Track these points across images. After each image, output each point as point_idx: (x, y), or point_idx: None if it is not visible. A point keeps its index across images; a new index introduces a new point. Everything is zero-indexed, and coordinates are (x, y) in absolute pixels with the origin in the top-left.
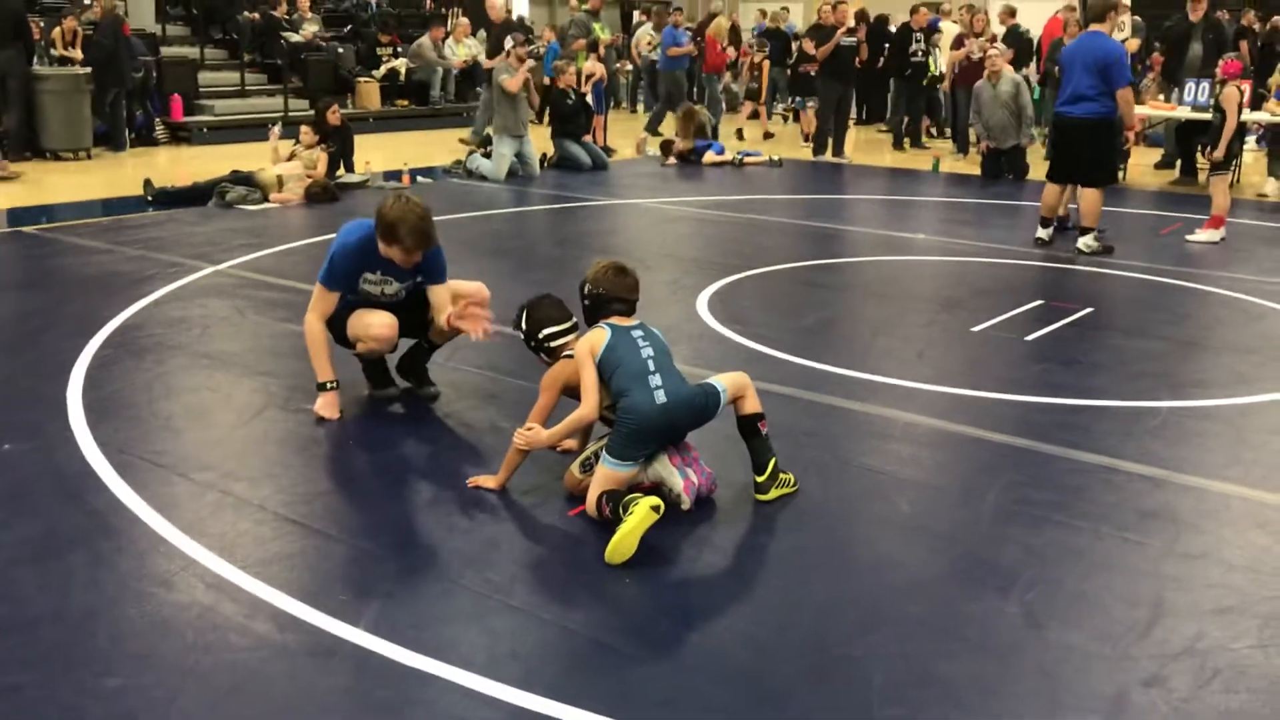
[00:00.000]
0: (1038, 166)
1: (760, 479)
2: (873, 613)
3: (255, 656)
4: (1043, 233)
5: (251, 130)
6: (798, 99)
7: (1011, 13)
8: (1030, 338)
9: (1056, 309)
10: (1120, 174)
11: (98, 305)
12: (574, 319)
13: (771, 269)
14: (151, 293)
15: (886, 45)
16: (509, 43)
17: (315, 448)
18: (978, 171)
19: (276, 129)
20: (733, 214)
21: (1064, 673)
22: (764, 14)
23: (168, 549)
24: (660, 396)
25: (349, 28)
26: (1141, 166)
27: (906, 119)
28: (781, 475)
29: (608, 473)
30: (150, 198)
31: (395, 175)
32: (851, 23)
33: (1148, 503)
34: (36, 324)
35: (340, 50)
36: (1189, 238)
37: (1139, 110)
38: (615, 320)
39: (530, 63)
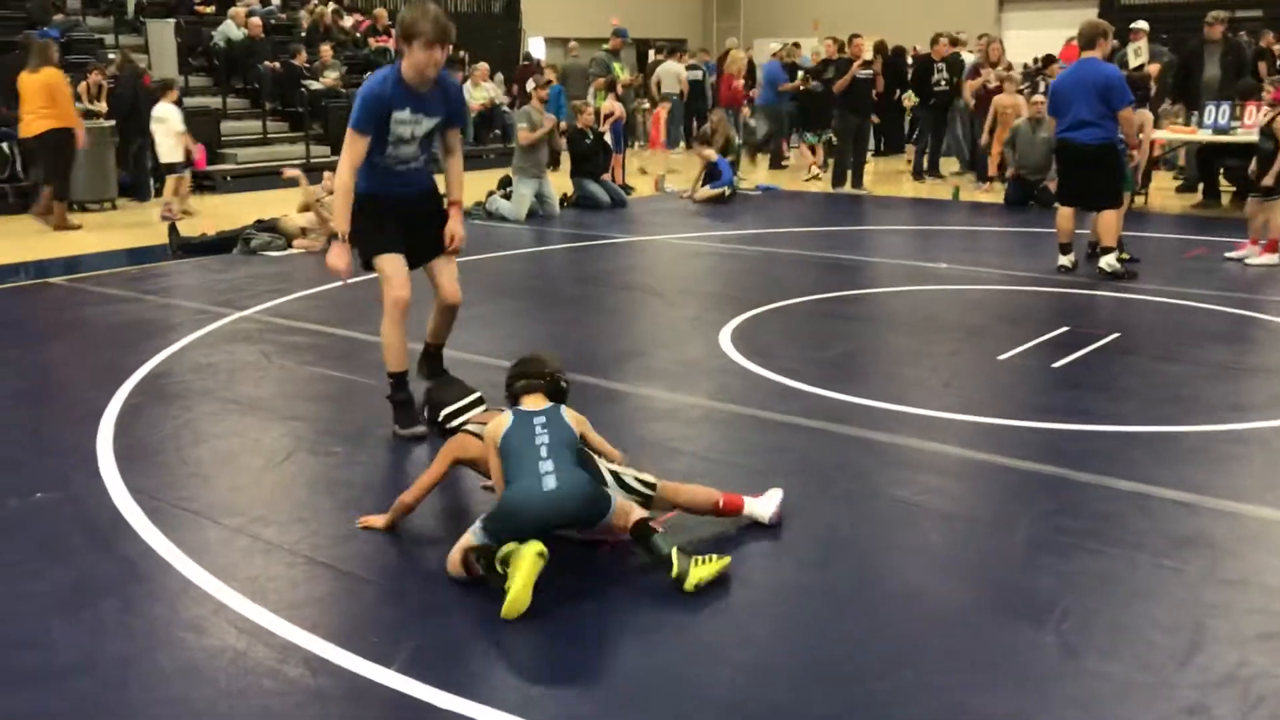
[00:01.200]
0: None
1: (673, 574)
2: (906, 645)
3: (289, 701)
4: (1064, 259)
5: (274, 178)
6: (805, 133)
7: (953, 42)
8: (1057, 364)
9: (1082, 335)
10: (1142, 198)
11: (125, 354)
12: (476, 393)
13: (794, 302)
14: (178, 340)
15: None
16: (530, 85)
17: (344, 491)
18: (998, 200)
19: (294, 171)
20: (753, 248)
21: (1103, 703)
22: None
23: (199, 594)
24: (549, 483)
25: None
26: (1163, 191)
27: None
28: (695, 558)
29: (468, 540)
30: (175, 247)
31: None
32: (868, 55)
33: (1183, 528)
34: (66, 373)
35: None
36: (1249, 261)
37: (1157, 134)
38: (525, 402)
39: (553, 119)
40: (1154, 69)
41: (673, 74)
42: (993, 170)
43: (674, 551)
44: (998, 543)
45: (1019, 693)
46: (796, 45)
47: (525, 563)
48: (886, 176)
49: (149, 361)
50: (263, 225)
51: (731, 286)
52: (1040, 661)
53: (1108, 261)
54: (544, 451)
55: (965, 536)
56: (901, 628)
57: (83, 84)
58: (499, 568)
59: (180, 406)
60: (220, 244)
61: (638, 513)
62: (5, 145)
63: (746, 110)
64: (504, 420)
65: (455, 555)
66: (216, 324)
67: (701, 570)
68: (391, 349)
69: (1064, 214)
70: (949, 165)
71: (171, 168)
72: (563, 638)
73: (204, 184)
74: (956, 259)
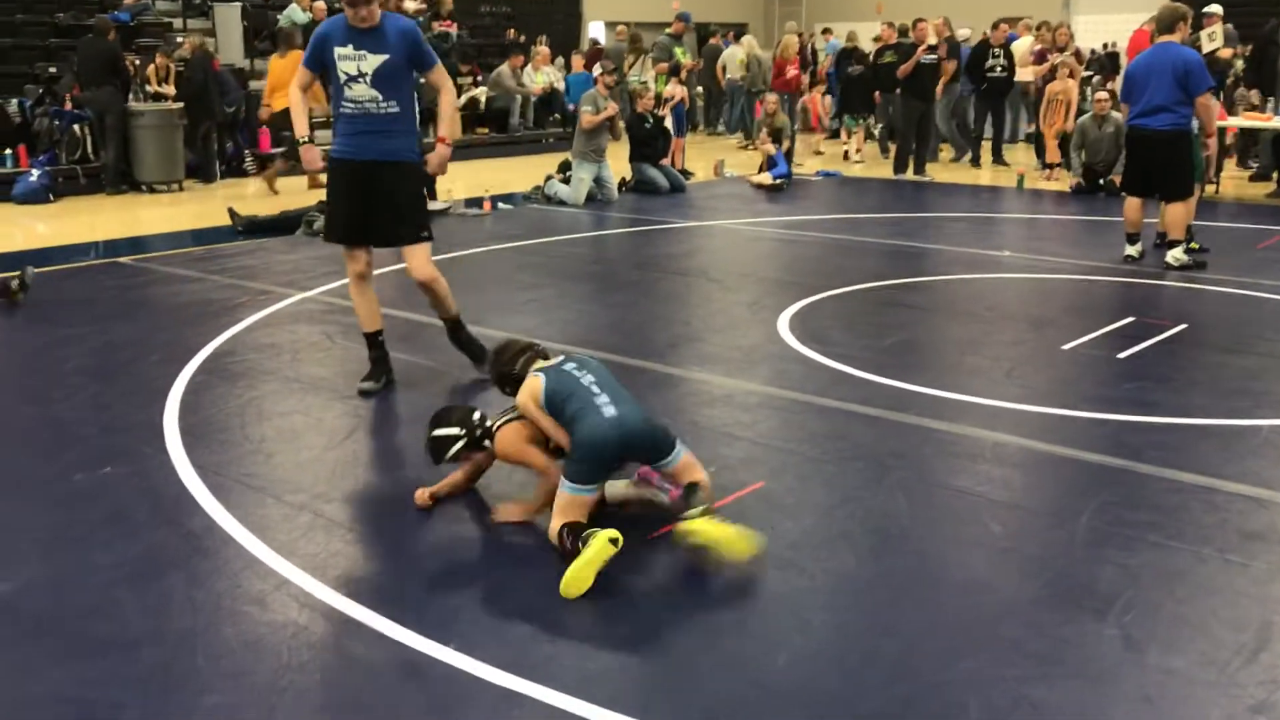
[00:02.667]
0: None
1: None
2: (965, 637)
3: (348, 675)
4: (1131, 249)
5: None
6: (847, 118)
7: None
8: (1123, 355)
9: (1150, 326)
10: (1214, 187)
11: (191, 332)
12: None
13: (853, 288)
14: (243, 320)
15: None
16: (597, 69)
17: (405, 469)
18: (1063, 188)
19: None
20: (812, 234)
21: (1166, 699)
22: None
23: (262, 569)
24: (610, 411)
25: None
26: (1236, 179)
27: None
28: (728, 528)
29: (569, 499)
30: (239, 228)
31: (476, 202)
32: (932, 40)
33: (1251, 523)
34: (133, 352)
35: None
36: None
37: (1232, 121)
38: (541, 364)
39: (614, 107)
40: (1226, 54)
41: (737, 59)
42: (1051, 156)
43: (701, 503)
44: (1059, 534)
45: (1080, 686)
46: (826, 31)
47: (595, 545)
48: (949, 163)
49: (214, 340)
50: (325, 207)
51: (790, 272)
52: (1102, 655)
53: (1174, 255)
54: (595, 388)
55: (1026, 527)
56: (960, 619)
57: (150, 67)
58: (580, 545)
59: (244, 385)
60: (283, 225)
61: (702, 471)
62: (77, 127)
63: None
64: (535, 382)
65: (553, 527)
66: (280, 304)
67: (706, 526)
68: (357, 311)
69: (1132, 204)
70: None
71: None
72: (620, 620)
73: (268, 166)
74: (1020, 247)
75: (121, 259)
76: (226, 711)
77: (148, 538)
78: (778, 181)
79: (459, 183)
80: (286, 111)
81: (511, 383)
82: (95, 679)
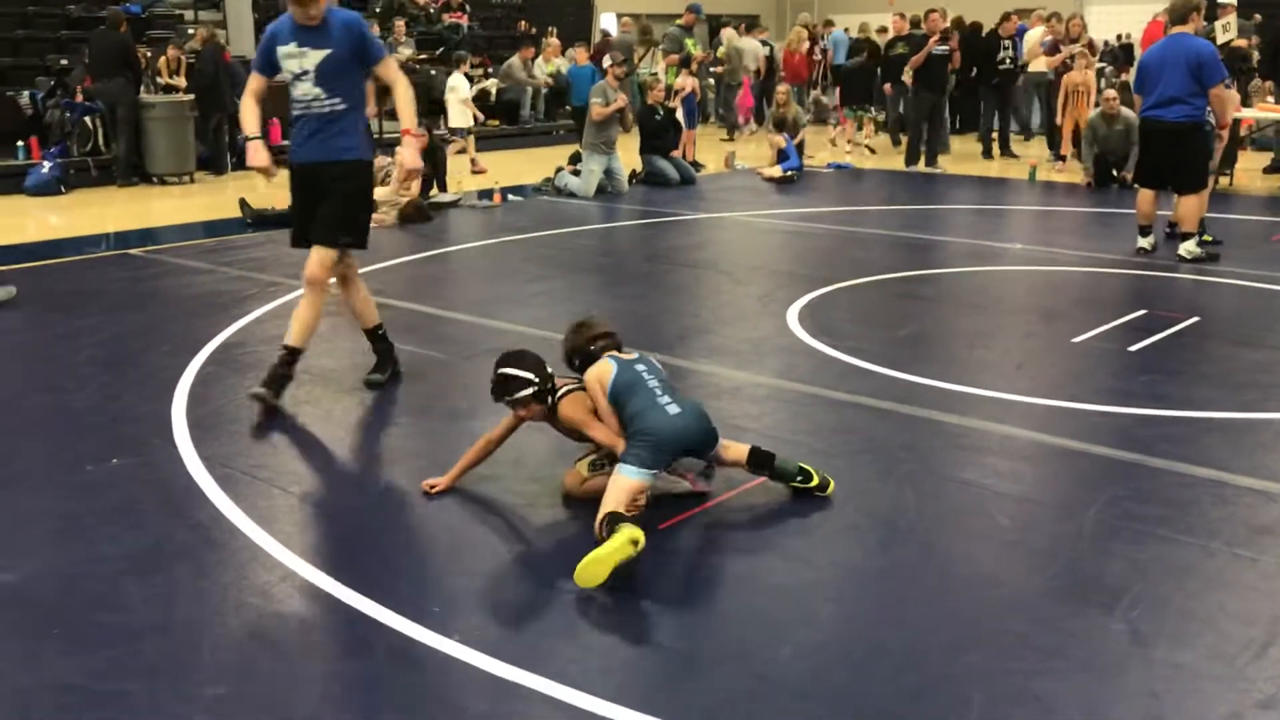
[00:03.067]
0: None
1: (814, 484)
2: (972, 630)
3: (352, 666)
4: (1144, 242)
5: None
6: (855, 108)
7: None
8: (1134, 348)
9: (1161, 319)
10: (1227, 178)
11: (200, 324)
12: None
13: (863, 281)
14: (252, 311)
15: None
16: (607, 61)
17: (411, 461)
18: (1075, 180)
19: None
20: (823, 226)
21: (1174, 693)
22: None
23: (267, 561)
24: (673, 409)
25: (440, 50)
26: (1250, 171)
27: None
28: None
29: (626, 482)
30: (249, 220)
31: (487, 194)
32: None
33: (1261, 517)
34: (142, 342)
35: (433, 73)
36: None
37: (1247, 113)
38: (616, 354)
39: (623, 99)
40: (1242, 44)
41: (751, 51)
42: (1065, 148)
43: (803, 465)
44: (1068, 528)
45: (1087, 680)
46: (829, 24)
47: (615, 540)
48: (961, 155)
49: (223, 332)
50: None
51: (800, 265)
52: (1110, 649)
53: (1187, 248)
54: (658, 390)
55: (1034, 521)
56: (967, 612)
57: (161, 59)
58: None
59: (253, 377)
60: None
61: (734, 445)
62: (89, 119)
63: (818, 90)
64: (607, 367)
65: (601, 513)
66: (289, 296)
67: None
68: (358, 309)
69: (1145, 196)
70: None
71: (456, 131)
72: (624, 612)
73: (279, 158)
74: (1031, 239)
75: (132, 250)
76: (231, 702)
77: (155, 529)
78: (788, 174)
79: (469, 174)
80: None
81: (584, 358)
82: (101, 668)
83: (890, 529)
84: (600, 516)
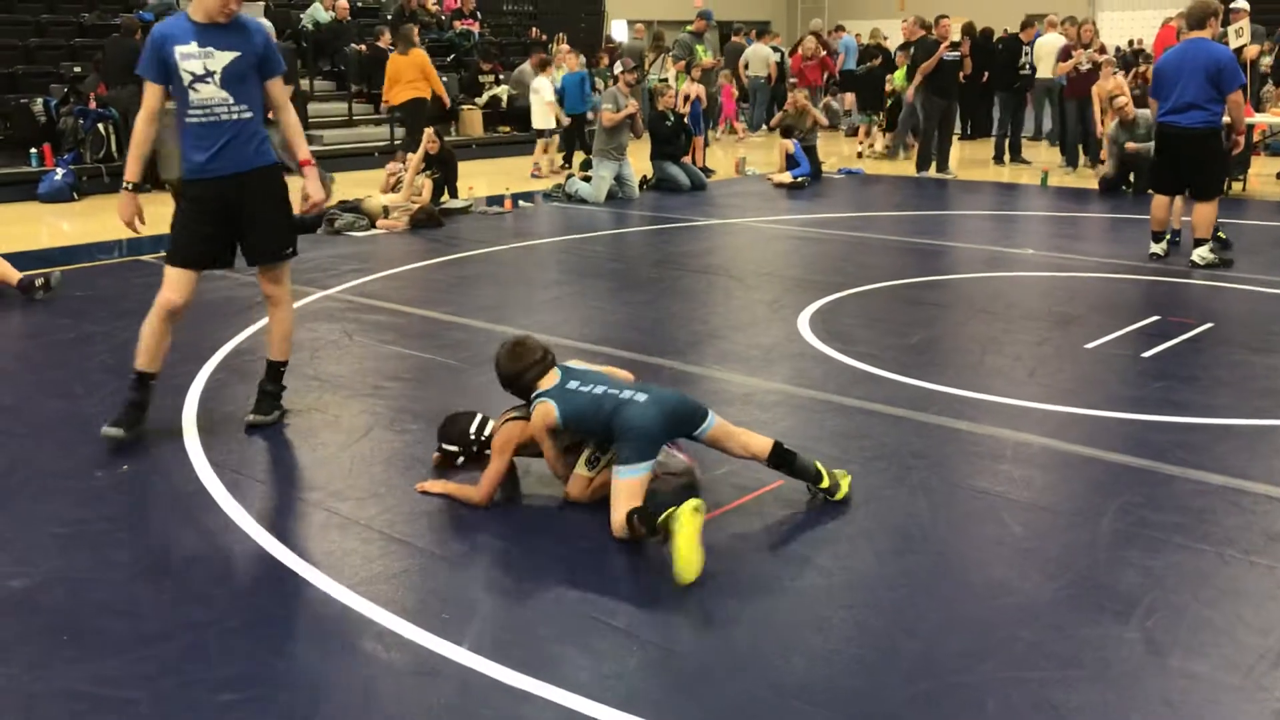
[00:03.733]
0: None
1: (825, 485)
2: (985, 637)
3: (361, 674)
4: (1156, 248)
5: (359, 159)
6: (865, 114)
7: (921, 24)
8: (1148, 354)
9: (1174, 324)
10: (1241, 184)
11: (211, 330)
12: (477, 413)
13: (874, 286)
14: (263, 318)
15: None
16: (618, 68)
17: (420, 468)
18: (1088, 185)
19: (396, 165)
20: (834, 232)
21: (1190, 703)
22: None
23: (276, 568)
24: (641, 397)
25: (451, 57)
26: (1263, 176)
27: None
28: (835, 472)
29: (629, 483)
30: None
31: (498, 200)
32: (955, 37)
33: (1278, 525)
34: None
35: (444, 79)
36: None
37: (1260, 118)
38: (542, 385)
39: (634, 105)
40: (1252, 51)
41: (761, 57)
42: (1104, 158)
43: (818, 465)
44: (1082, 535)
45: (1101, 689)
46: (838, 29)
47: (685, 522)
48: (972, 161)
49: (234, 338)
50: (347, 206)
51: (811, 270)
52: (1125, 658)
53: (1200, 254)
54: (612, 390)
55: (1048, 528)
56: (981, 619)
57: None
58: (659, 527)
59: None
60: (305, 224)
61: (752, 438)
62: (101, 126)
63: (828, 97)
64: (549, 408)
65: (618, 517)
66: (300, 302)
67: (844, 480)
68: (142, 345)
69: (1160, 202)
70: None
71: (541, 133)
72: (635, 619)
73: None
74: (1043, 245)
75: (145, 257)
76: (240, 709)
77: (164, 535)
78: (799, 180)
79: (480, 180)
80: (408, 104)
81: (517, 389)
82: (109, 675)
83: (903, 536)
84: (621, 517)
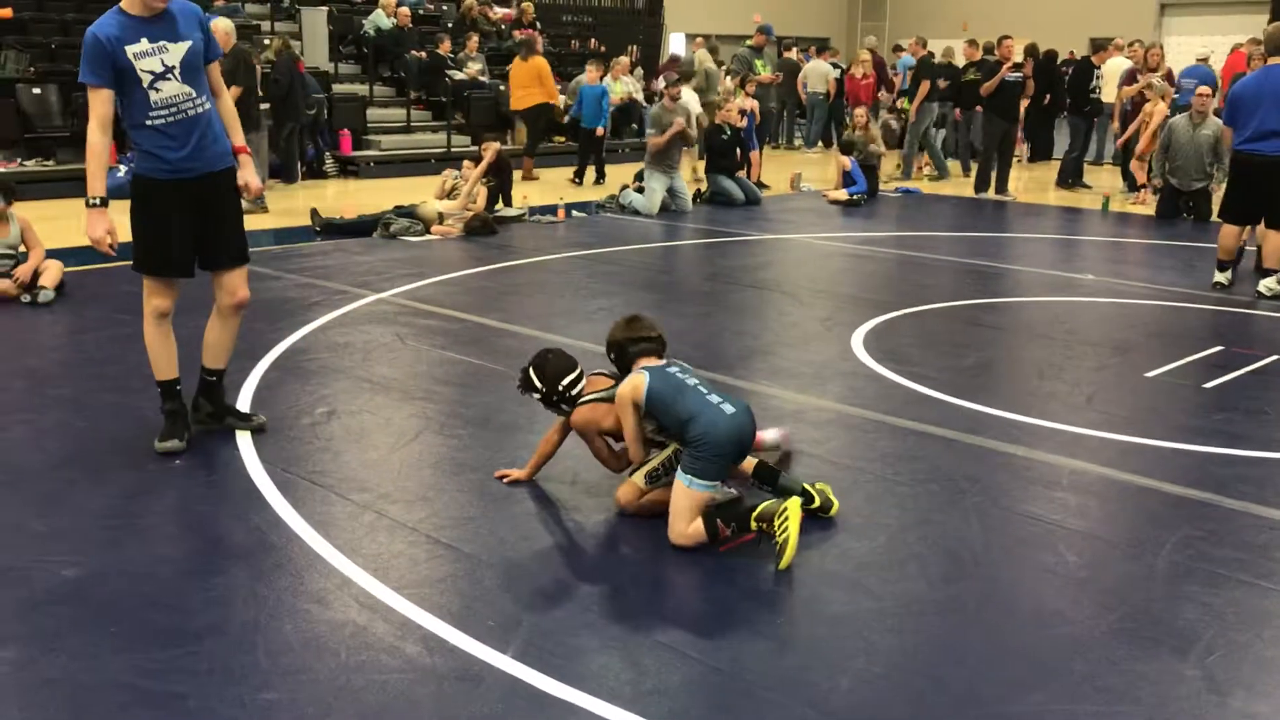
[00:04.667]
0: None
1: (815, 505)
2: (1036, 668)
3: (405, 678)
4: (1221, 276)
5: (416, 165)
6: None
7: (923, 43)
8: (1209, 385)
9: (1238, 355)
10: None
11: (266, 329)
12: (579, 366)
13: (930, 307)
14: (317, 318)
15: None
16: (661, 83)
17: (469, 473)
18: (1149, 212)
19: (450, 172)
20: (889, 250)
21: None
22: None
23: (324, 567)
24: (728, 409)
25: (510, 66)
26: None
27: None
28: (818, 485)
29: (696, 495)
30: (318, 229)
31: (551, 209)
32: (1018, 58)
33: None
34: None
35: (502, 88)
36: None
37: None
38: (646, 362)
39: (681, 122)
40: None
41: (820, 73)
42: (1141, 179)
43: (806, 485)
44: (1139, 567)
45: None
46: (898, 49)
47: (795, 517)
48: (1032, 184)
49: (288, 338)
50: (402, 211)
51: (866, 289)
52: (1182, 695)
53: (1267, 285)
54: (703, 389)
55: (1103, 558)
56: (1032, 649)
57: None
58: (755, 524)
59: (316, 383)
60: (361, 227)
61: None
62: None
63: (885, 113)
64: (640, 380)
65: (686, 525)
66: (354, 305)
67: (828, 492)
68: (155, 358)
69: (1230, 231)
70: (952, 167)
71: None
72: (680, 635)
73: (348, 169)
74: (1103, 270)
75: None
76: (284, 708)
77: (214, 531)
78: (854, 197)
79: (534, 189)
80: (531, 109)
81: (618, 354)
82: (155, 669)
83: (954, 561)
84: (687, 527)
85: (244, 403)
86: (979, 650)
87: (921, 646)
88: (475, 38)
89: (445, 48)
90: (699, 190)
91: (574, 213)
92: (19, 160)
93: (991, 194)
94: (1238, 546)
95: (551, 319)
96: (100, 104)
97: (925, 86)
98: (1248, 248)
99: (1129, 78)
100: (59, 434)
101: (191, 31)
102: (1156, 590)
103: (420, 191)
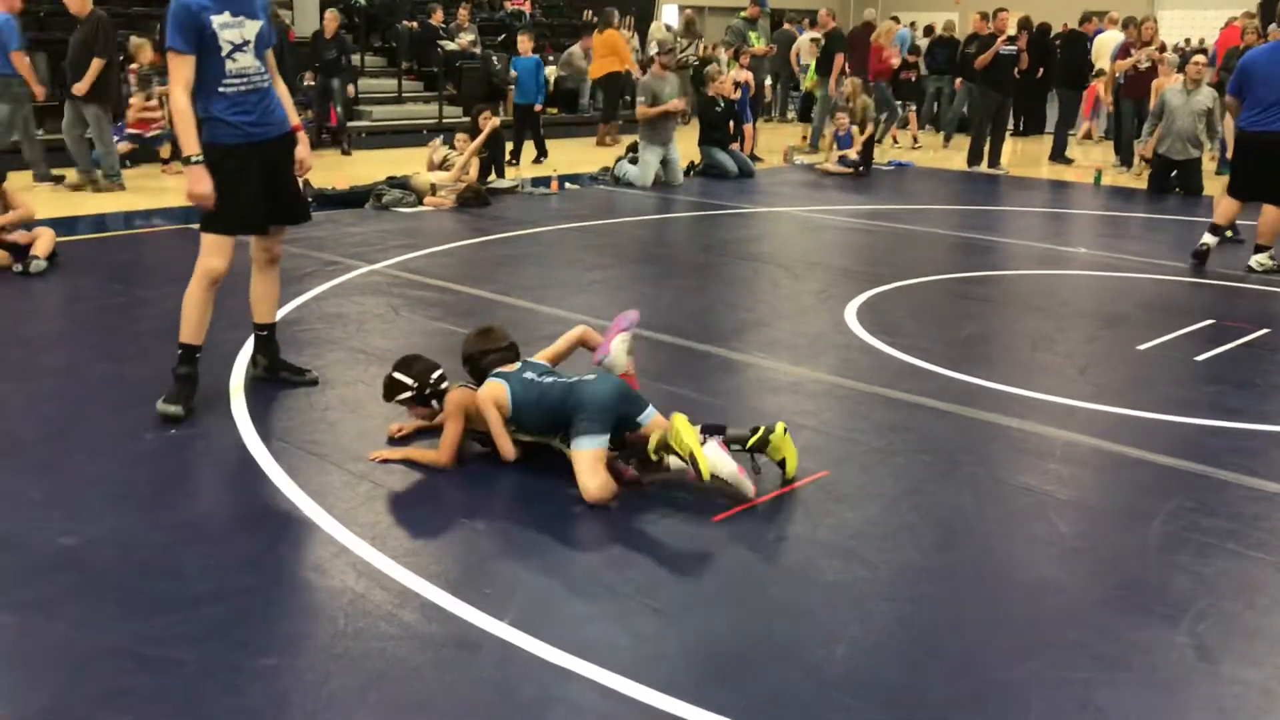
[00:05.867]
0: (1208, 182)
1: (755, 438)
2: (1030, 637)
3: (403, 645)
4: (1209, 239)
5: (408, 135)
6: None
7: (832, 15)
8: (1201, 358)
9: (1229, 329)
10: None
11: None
12: (441, 366)
13: (923, 280)
14: (311, 289)
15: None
16: (653, 50)
17: (465, 442)
18: (1142, 186)
19: (437, 140)
20: (882, 223)
21: (1241, 711)
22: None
23: (322, 536)
24: (590, 377)
25: (502, 37)
26: None
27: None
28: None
29: (595, 453)
30: (311, 198)
31: (544, 181)
32: (1012, 30)
33: None
34: None
35: (494, 59)
36: None
37: None
38: (502, 369)
39: (679, 103)
40: None
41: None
42: (1147, 153)
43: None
44: (1131, 537)
45: (1149, 693)
46: (894, 20)
47: (684, 430)
48: (1024, 157)
49: (282, 309)
50: (395, 182)
51: (859, 261)
52: (1173, 662)
53: (1259, 260)
54: (559, 381)
55: (1096, 529)
56: (1025, 618)
57: None
58: (654, 454)
59: (310, 354)
60: (353, 198)
61: (659, 433)
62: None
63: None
64: (499, 388)
65: (593, 480)
66: (347, 276)
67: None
68: (188, 319)
69: (1231, 204)
70: (929, 139)
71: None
72: (677, 603)
73: (339, 140)
74: (1095, 244)
75: (194, 225)
76: (282, 674)
77: (211, 499)
78: (847, 165)
79: (527, 161)
80: (606, 77)
81: (473, 368)
82: (154, 635)
83: (948, 531)
84: (598, 484)
85: (237, 373)
86: (973, 619)
87: (916, 615)
88: (467, 8)
89: (437, 18)
90: (692, 163)
91: (567, 185)
92: None
93: (984, 167)
94: (1229, 517)
95: (545, 291)
96: (186, 69)
97: (840, 60)
98: (1242, 221)
99: (1121, 52)
100: (55, 402)
101: (261, 12)
102: (1148, 560)
103: (413, 162)
